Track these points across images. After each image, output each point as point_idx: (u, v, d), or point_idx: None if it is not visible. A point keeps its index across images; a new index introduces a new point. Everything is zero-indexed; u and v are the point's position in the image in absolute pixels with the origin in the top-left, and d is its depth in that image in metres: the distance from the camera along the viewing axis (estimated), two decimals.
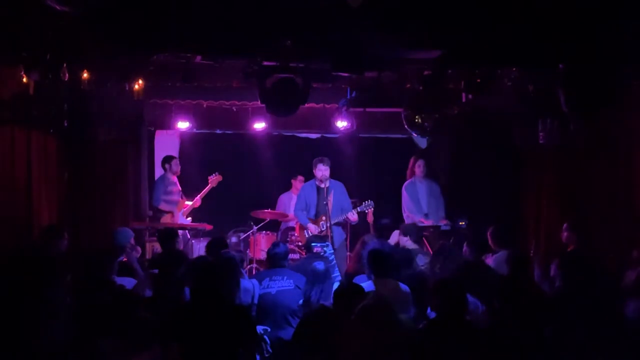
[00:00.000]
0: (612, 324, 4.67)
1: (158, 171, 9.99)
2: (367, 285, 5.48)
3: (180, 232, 8.37)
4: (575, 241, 7.05)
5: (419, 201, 8.94)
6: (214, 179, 9.36)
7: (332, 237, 8.15)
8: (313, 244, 6.84)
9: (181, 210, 9.20)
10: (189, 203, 9.30)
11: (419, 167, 9.00)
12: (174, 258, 5.65)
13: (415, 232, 7.60)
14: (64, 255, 6.43)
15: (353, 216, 8.41)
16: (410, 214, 8.91)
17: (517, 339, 4.54)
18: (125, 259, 6.53)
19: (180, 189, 9.33)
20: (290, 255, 7.10)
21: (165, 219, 9.08)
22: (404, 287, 5.46)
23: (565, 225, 7.23)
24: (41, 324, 4.26)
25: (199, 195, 9.33)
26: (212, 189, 9.40)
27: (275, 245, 6.37)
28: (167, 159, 9.30)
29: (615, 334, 4.58)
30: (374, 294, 5.11)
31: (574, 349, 4.52)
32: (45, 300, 4.46)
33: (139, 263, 6.71)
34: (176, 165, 9.29)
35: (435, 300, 4.52)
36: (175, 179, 9.30)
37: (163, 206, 9.13)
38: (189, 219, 9.29)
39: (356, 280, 5.77)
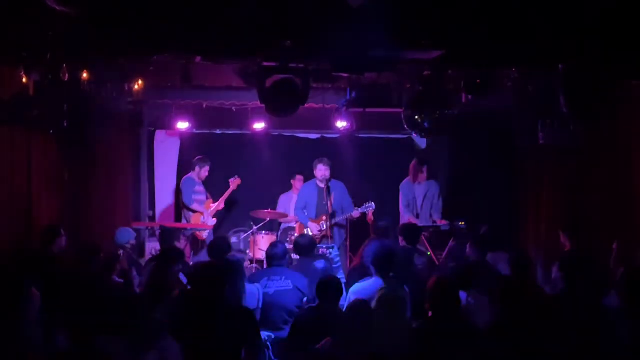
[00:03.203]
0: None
1: (158, 171, 10.00)
2: (368, 284, 5.49)
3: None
4: (568, 242, 6.99)
5: (415, 200, 8.94)
6: (234, 182, 9.35)
7: (332, 238, 8.15)
8: (318, 245, 6.82)
9: (208, 209, 9.20)
10: (214, 204, 9.30)
11: (422, 172, 8.96)
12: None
13: (410, 233, 7.57)
14: (65, 252, 6.42)
15: (355, 212, 8.44)
16: (404, 211, 8.93)
17: (517, 339, 4.54)
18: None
19: (204, 188, 9.32)
20: (294, 256, 7.07)
21: (195, 219, 9.07)
22: (405, 287, 5.47)
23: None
24: (41, 324, 4.26)
25: (222, 198, 9.31)
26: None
27: (273, 245, 6.33)
28: (200, 162, 9.22)
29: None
30: (377, 293, 5.12)
31: (572, 350, 4.52)
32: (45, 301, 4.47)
33: None
34: (205, 172, 9.26)
35: (430, 299, 4.55)
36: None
37: (195, 206, 9.12)
38: (215, 219, 9.28)
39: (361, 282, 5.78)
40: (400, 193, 9.04)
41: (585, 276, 5.15)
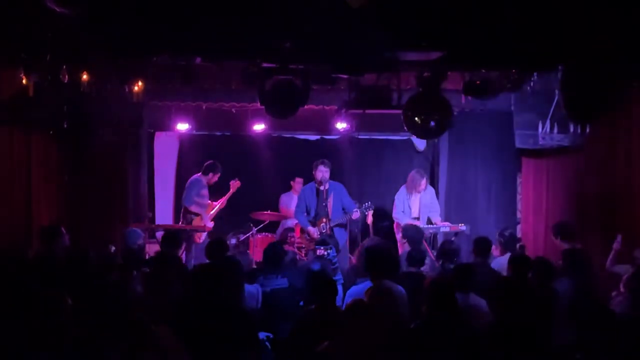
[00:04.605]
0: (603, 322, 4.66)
1: (158, 173, 9.99)
2: (364, 286, 5.48)
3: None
4: (566, 243, 6.91)
5: (409, 208, 8.91)
6: (234, 184, 9.33)
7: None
8: (316, 247, 6.81)
9: (209, 213, 9.18)
10: (214, 205, 9.28)
11: (421, 185, 8.90)
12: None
13: (412, 236, 7.58)
14: (69, 250, 6.40)
15: (355, 214, 8.43)
16: (396, 217, 8.91)
17: (515, 340, 4.53)
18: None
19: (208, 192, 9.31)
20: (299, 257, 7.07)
21: (197, 222, 9.04)
22: (400, 287, 5.46)
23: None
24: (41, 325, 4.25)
25: (221, 200, 9.29)
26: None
27: (271, 246, 6.33)
28: (213, 168, 9.16)
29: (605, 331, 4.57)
30: (370, 294, 5.11)
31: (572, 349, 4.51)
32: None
33: None
34: (216, 178, 9.19)
35: (426, 300, 4.55)
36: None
37: (194, 208, 9.07)
38: (212, 222, 9.26)
39: (358, 282, 5.77)
40: (395, 201, 9.01)
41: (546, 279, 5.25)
